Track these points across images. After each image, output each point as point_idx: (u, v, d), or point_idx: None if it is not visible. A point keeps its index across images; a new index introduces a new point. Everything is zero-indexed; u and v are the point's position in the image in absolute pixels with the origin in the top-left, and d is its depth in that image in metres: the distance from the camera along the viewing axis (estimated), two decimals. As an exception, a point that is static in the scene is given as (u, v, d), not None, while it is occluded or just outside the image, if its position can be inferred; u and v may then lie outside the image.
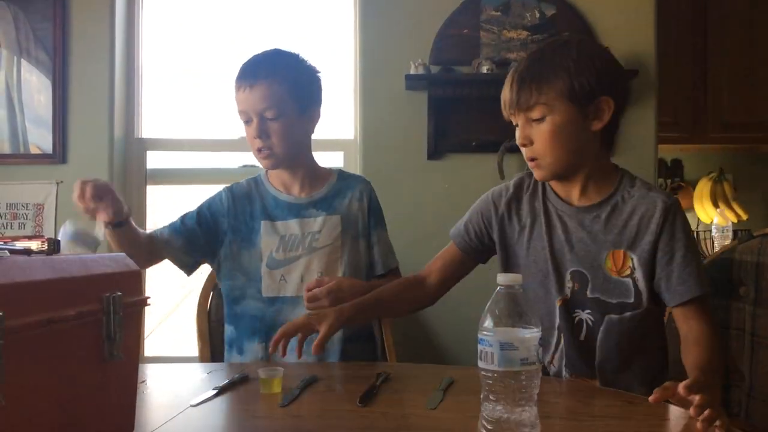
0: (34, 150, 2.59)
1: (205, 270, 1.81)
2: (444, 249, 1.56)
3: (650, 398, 1.01)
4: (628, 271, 1.32)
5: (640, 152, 2.56)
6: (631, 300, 1.33)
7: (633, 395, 1.24)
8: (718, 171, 3.65)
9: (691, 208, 3.72)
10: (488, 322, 0.86)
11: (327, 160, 2.64)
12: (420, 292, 1.52)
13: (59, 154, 2.57)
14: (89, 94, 2.59)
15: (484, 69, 2.47)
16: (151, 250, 1.65)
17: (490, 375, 0.85)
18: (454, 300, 2.44)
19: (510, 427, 0.84)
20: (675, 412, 1.11)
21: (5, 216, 2.42)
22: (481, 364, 0.86)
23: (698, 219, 3.70)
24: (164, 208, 3.13)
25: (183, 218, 1.69)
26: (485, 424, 0.86)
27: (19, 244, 0.86)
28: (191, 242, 1.68)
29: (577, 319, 1.36)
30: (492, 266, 1.51)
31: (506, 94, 1.34)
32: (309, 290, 1.54)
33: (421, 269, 1.56)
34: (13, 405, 0.69)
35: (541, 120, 1.30)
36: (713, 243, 3.39)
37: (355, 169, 2.60)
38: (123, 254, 0.99)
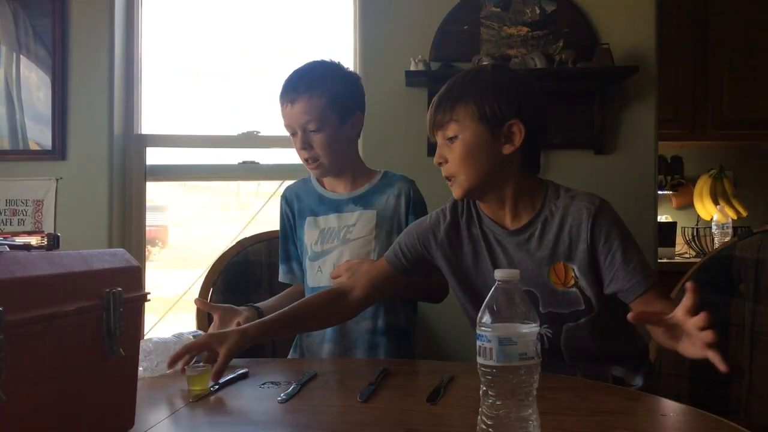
0: (33, 146, 2.58)
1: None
2: (374, 264, 1.55)
3: (629, 316, 1.06)
4: (573, 281, 1.34)
5: (640, 149, 2.56)
6: (582, 307, 1.34)
7: (633, 391, 1.24)
8: (718, 168, 3.65)
9: (691, 205, 3.73)
10: (486, 318, 0.86)
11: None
12: (341, 307, 1.50)
13: (59, 150, 2.56)
14: (89, 91, 2.59)
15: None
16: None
17: (489, 370, 0.85)
18: (454, 296, 2.44)
19: (510, 422, 0.84)
20: (674, 407, 1.11)
21: (5, 212, 2.43)
22: (479, 359, 0.86)
23: (698, 216, 3.70)
24: (163, 204, 3.13)
25: (288, 261, 1.80)
26: (485, 419, 0.86)
27: (19, 240, 0.86)
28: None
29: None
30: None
31: (428, 114, 1.40)
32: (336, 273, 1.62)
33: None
34: (14, 400, 0.69)
35: (454, 138, 1.34)
36: (713, 240, 3.39)
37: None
38: (123, 250, 0.99)
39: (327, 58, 1.71)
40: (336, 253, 1.68)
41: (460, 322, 2.40)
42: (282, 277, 1.82)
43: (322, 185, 1.78)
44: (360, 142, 2.59)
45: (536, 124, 1.34)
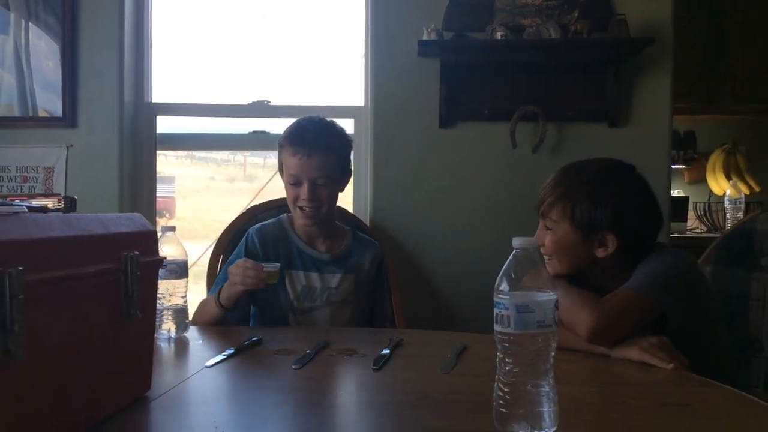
0: (43, 114, 2.57)
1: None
2: None
3: None
4: None
5: (654, 122, 2.52)
6: None
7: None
8: (731, 143, 3.61)
9: (704, 180, 3.70)
10: (504, 285, 0.85)
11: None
12: None
13: (69, 118, 2.55)
14: (99, 59, 2.56)
15: (498, 35, 2.42)
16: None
17: (506, 338, 0.84)
18: (464, 266, 2.44)
19: (527, 390, 0.84)
20: (691, 380, 1.11)
21: (16, 179, 2.42)
22: (497, 327, 0.85)
23: (710, 191, 3.67)
24: (170, 175, 3.12)
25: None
26: (501, 386, 0.85)
27: (36, 203, 0.86)
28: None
29: None
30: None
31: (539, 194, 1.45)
32: None
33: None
34: (32, 360, 0.69)
35: (550, 230, 1.39)
36: (725, 215, 3.37)
37: (366, 137, 2.58)
38: (138, 214, 0.99)
39: (327, 118, 1.80)
40: (319, 313, 1.75)
41: (472, 294, 2.40)
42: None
43: (299, 236, 1.79)
44: (370, 111, 2.57)
45: (631, 237, 1.35)
